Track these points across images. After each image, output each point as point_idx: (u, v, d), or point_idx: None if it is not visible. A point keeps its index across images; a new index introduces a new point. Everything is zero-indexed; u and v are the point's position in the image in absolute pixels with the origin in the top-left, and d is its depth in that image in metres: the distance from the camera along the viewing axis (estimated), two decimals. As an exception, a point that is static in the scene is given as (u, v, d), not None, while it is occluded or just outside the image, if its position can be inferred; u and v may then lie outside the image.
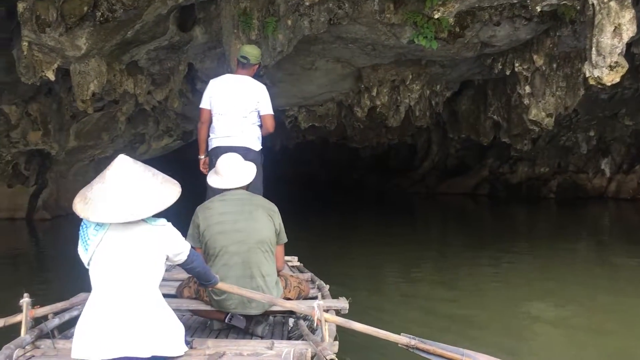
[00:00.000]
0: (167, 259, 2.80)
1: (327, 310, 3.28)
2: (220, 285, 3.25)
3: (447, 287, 6.84)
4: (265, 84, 8.00)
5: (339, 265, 7.72)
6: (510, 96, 11.32)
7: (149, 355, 2.63)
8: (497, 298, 6.30)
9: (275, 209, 3.73)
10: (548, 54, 8.80)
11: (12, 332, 2.94)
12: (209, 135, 5.17)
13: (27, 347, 2.86)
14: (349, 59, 9.16)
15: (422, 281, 7.28)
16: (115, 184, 2.59)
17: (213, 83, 5.16)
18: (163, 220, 2.75)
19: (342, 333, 3.19)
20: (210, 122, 5.14)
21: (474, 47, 8.47)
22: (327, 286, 4.25)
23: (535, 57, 8.81)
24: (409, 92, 10.78)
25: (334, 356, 2.69)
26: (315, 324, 3.06)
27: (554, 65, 9.36)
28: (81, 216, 2.60)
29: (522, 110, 10.20)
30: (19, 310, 2.95)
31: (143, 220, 2.65)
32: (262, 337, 3.52)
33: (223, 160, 3.75)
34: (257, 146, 5.12)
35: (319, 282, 4.42)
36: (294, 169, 25.67)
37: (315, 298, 3.94)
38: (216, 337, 3.51)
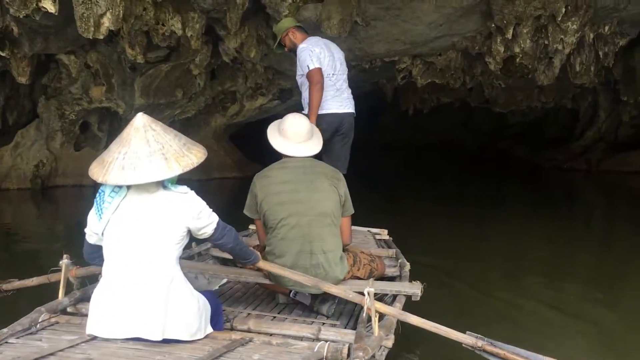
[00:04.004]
0: (190, 231, 2.57)
1: (394, 296, 3.27)
2: (261, 264, 3.08)
3: (606, 307, 4.86)
4: (354, 22, 6.84)
5: (452, 247, 6.70)
6: None
7: (159, 339, 2.46)
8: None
9: (340, 176, 3.46)
10: None
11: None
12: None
13: (68, 309, 2.87)
14: (468, -18, 6.50)
15: (565, 291, 5.31)
16: (133, 145, 2.42)
17: (312, 41, 4.85)
18: (184, 188, 2.57)
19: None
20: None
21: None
22: (408, 265, 3.88)
23: None
24: (561, 35, 7.73)
25: None
26: (364, 313, 2.74)
27: None
28: (98, 180, 2.44)
29: None
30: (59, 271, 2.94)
31: (163, 186, 2.52)
32: (327, 316, 3.33)
33: (294, 122, 3.41)
34: None
35: (401, 260, 4.02)
36: (429, 136, 23.11)
37: (393, 278, 3.75)
38: (279, 313, 3.41)
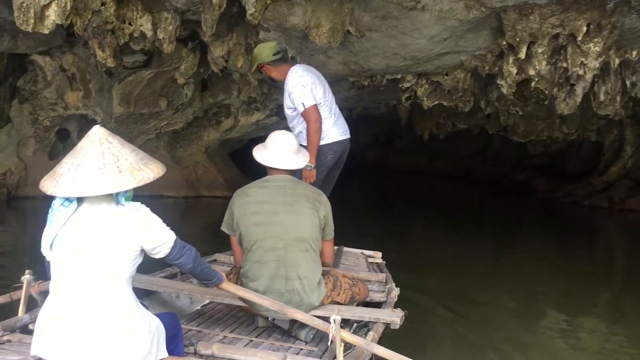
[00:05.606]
0: (144, 250, 2.45)
1: (372, 323, 3.20)
2: (225, 285, 2.91)
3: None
4: (347, 32, 6.41)
5: (457, 279, 6.42)
6: None
7: None
8: None
9: (323, 199, 3.33)
10: None
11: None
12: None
13: (30, 326, 2.78)
14: (475, -9, 5.68)
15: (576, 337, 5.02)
16: (86, 157, 2.31)
17: (299, 72, 4.61)
18: (138, 204, 2.45)
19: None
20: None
21: None
22: (396, 290, 3.74)
23: None
24: (582, 57, 6.85)
25: None
26: (330, 341, 2.67)
27: None
28: (48, 192, 2.32)
29: None
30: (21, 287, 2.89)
31: (116, 202, 2.39)
32: (305, 342, 3.23)
33: (280, 135, 3.37)
34: None
35: (389, 285, 3.87)
36: (445, 163, 22.23)
37: (379, 304, 3.62)
38: (257, 336, 3.29)
